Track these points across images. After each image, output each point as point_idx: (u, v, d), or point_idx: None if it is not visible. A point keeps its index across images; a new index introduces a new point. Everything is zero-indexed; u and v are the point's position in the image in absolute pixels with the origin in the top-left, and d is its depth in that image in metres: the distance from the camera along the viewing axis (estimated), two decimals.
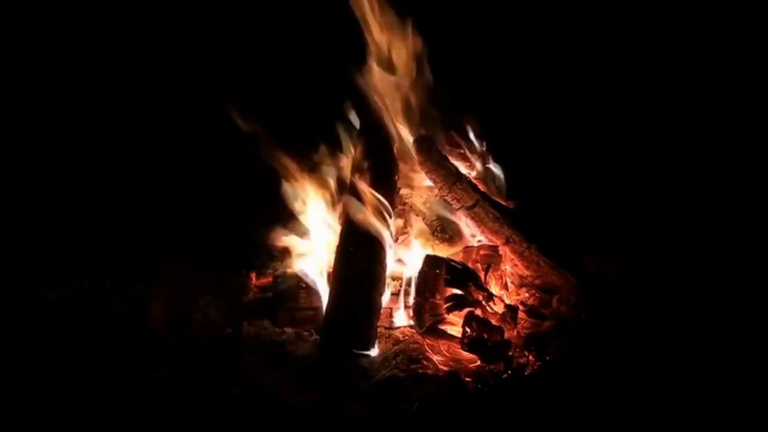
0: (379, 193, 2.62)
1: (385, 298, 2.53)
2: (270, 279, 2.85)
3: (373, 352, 2.33)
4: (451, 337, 2.39)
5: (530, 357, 2.24)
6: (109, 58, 4.10)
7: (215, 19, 4.15)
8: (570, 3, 4.22)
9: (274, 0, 4.12)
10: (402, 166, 2.93)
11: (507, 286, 2.68)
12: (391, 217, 2.67)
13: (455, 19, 4.01)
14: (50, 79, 4.02)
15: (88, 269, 2.87)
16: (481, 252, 2.69)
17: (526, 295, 2.69)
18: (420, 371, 2.22)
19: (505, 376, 2.15)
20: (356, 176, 2.72)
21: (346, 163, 2.97)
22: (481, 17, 4.16)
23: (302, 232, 2.90)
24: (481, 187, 2.93)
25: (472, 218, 2.78)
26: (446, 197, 2.81)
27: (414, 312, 2.48)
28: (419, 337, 2.42)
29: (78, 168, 3.77)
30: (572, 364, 2.17)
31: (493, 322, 2.35)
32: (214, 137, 3.76)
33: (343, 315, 2.37)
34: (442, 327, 2.43)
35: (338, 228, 2.72)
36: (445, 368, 2.25)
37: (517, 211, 2.83)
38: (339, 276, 2.49)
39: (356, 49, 2.89)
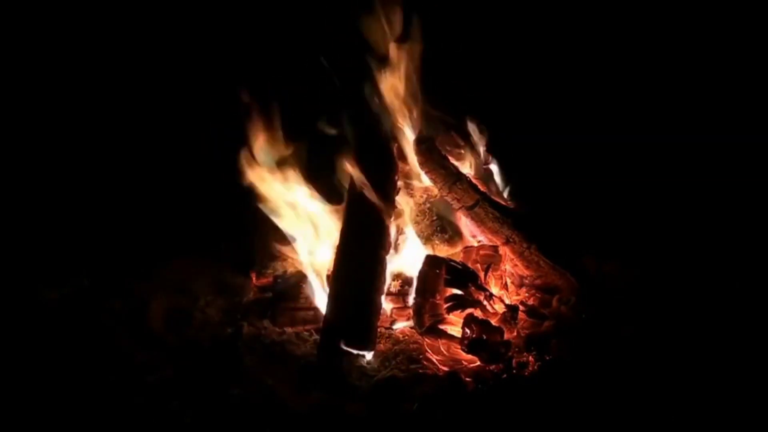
0: (378, 192, 2.62)
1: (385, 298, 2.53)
2: (270, 279, 2.86)
3: (373, 352, 2.33)
4: (451, 337, 2.38)
5: (530, 357, 2.24)
6: (111, 56, 4.10)
7: (217, 18, 4.15)
8: (570, 3, 4.22)
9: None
10: (402, 166, 2.93)
11: (507, 286, 2.68)
12: (390, 217, 2.66)
13: (455, 19, 4.00)
14: (49, 78, 4.02)
15: (88, 269, 2.87)
16: (481, 252, 2.69)
17: (526, 295, 2.69)
18: (420, 371, 2.23)
19: (505, 376, 2.15)
20: (356, 176, 2.72)
21: (346, 163, 2.96)
22: (482, 16, 4.16)
23: (302, 233, 2.89)
24: (481, 187, 2.93)
25: (472, 218, 2.78)
26: (446, 197, 2.81)
27: (414, 312, 2.47)
28: (419, 337, 2.42)
29: (78, 167, 3.77)
30: (572, 365, 2.17)
31: (493, 322, 2.35)
32: (214, 137, 3.75)
33: (342, 315, 2.37)
34: (442, 327, 2.42)
35: (338, 228, 2.72)
36: (445, 368, 2.25)
37: (517, 211, 2.83)
38: (339, 276, 2.49)
39: (356, 48, 2.88)
